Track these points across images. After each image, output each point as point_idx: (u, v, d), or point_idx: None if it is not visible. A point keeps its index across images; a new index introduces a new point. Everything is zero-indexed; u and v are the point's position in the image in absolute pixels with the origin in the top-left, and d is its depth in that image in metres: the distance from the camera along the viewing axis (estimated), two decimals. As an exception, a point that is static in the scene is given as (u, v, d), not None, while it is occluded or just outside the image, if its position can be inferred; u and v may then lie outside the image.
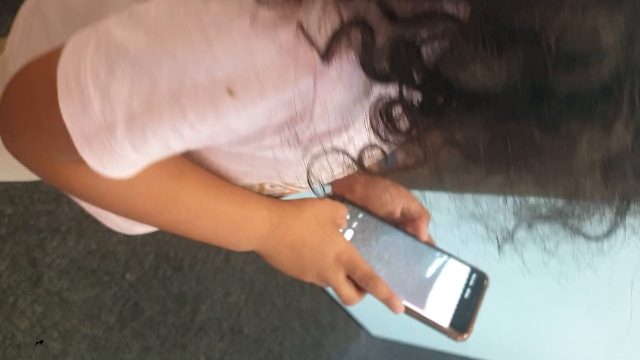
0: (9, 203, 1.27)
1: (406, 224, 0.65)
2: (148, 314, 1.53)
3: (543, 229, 0.43)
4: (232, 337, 1.76)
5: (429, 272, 0.61)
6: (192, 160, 0.52)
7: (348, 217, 0.62)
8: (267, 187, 0.56)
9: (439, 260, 0.62)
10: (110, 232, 1.47)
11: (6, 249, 1.26)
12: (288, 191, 0.59)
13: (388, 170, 0.42)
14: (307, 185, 0.58)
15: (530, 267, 1.37)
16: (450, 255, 0.63)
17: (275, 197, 0.57)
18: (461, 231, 1.34)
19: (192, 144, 0.41)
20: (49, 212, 1.34)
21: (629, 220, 0.38)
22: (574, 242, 0.43)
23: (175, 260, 1.61)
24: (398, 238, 0.63)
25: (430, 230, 0.67)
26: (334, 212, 0.59)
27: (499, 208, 0.47)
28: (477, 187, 1.17)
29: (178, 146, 0.40)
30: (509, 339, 1.79)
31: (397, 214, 0.65)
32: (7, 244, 1.27)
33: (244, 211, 0.53)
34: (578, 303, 1.37)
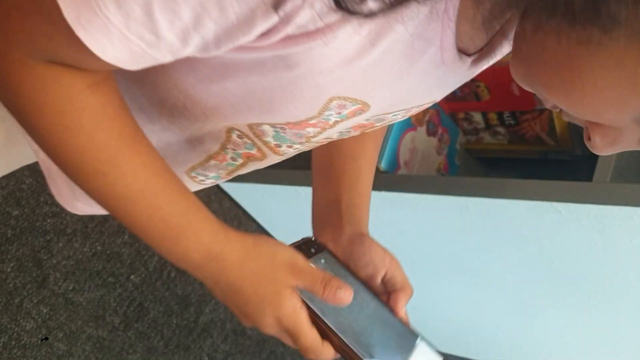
0: (16, 205, 1.29)
1: (385, 295, 0.58)
2: (152, 315, 1.54)
3: None
4: (235, 338, 1.77)
5: (395, 351, 0.55)
6: (157, 93, 0.47)
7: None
8: (234, 136, 0.51)
9: (409, 341, 0.56)
10: (116, 234, 1.48)
11: (12, 251, 1.28)
12: (255, 151, 0.53)
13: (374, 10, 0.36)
14: (275, 143, 0.51)
15: (531, 270, 1.38)
16: (423, 339, 0.57)
17: (230, 228, 0.49)
18: (465, 235, 1.34)
19: (177, 25, 0.36)
20: (55, 214, 1.35)
21: None
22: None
23: (179, 262, 1.62)
24: (371, 306, 0.56)
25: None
26: (296, 268, 0.49)
27: None
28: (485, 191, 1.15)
29: (162, 18, 0.35)
30: (510, 341, 1.80)
31: (378, 280, 0.58)
32: (14, 245, 1.28)
33: (183, 221, 0.46)
34: (578, 305, 1.38)
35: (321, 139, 0.52)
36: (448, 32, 0.41)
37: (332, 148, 0.63)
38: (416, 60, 0.42)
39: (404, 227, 1.41)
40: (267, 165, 0.57)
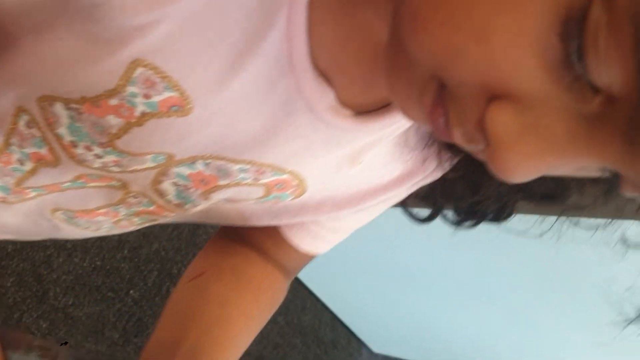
0: (16, 220, 1.30)
1: None
2: (151, 330, 1.54)
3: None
4: (234, 353, 1.77)
5: None
6: None
7: None
8: (22, 124, 0.39)
9: None
10: (115, 249, 1.49)
11: (12, 266, 1.28)
12: (45, 151, 0.40)
13: None
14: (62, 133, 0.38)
15: (527, 281, 1.39)
16: None
17: None
18: (462, 249, 1.36)
19: None
20: (55, 229, 1.36)
21: None
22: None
23: (178, 277, 1.63)
24: None
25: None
26: None
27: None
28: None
29: None
30: (510, 351, 1.80)
31: None
32: (14, 260, 1.29)
33: None
34: (575, 313, 1.39)
35: (135, 156, 0.38)
36: (297, 16, 0.31)
37: (196, 292, 0.49)
38: (255, 44, 0.32)
39: (400, 242, 1.42)
40: (63, 182, 0.42)
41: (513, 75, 0.22)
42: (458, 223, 0.47)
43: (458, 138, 0.27)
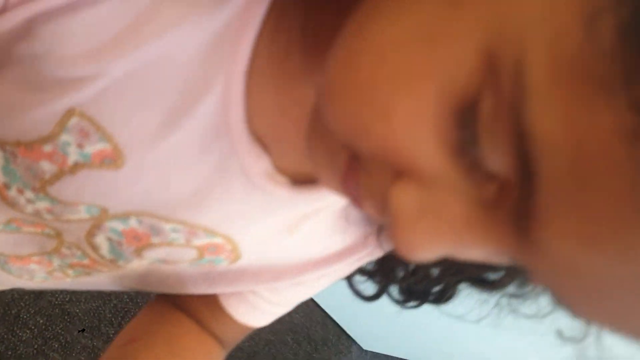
0: (15, 218, 1.31)
1: None
2: (146, 326, 1.57)
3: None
4: (226, 350, 1.79)
5: None
6: None
7: None
8: None
9: None
10: (111, 247, 1.51)
11: (10, 262, 1.30)
12: None
13: None
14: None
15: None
16: None
17: None
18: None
19: None
20: (53, 226, 1.37)
21: None
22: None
23: (172, 274, 1.65)
24: None
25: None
26: None
27: None
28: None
29: None
30: (499, 351, 1.83)
31: None
32: (12, 257, 1.31)
33: None
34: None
35: (67, 205, 0.36)
36: (234, 83, 0.31)
37: None
38: (191, 105, 0.32)
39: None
40: None
41: (413, 155, 0.22)
42: (402, 302, 0.48)
43: (369, 209, 0.26)
